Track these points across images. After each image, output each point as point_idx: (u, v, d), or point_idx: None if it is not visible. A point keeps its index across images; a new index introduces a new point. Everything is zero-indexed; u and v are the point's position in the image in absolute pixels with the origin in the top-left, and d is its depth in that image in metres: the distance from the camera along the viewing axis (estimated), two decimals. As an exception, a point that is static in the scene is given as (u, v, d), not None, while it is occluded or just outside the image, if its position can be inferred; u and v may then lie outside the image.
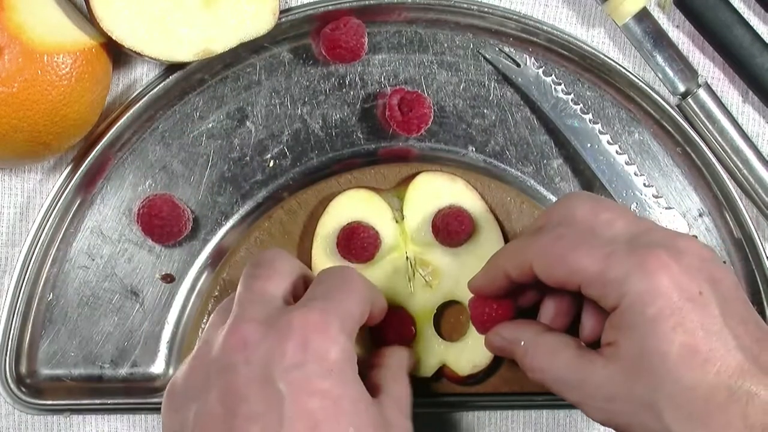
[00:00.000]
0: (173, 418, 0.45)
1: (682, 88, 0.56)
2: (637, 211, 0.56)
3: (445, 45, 0.57)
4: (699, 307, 0.42)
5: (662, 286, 0.43)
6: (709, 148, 0.56)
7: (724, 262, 0.57)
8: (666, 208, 0.56)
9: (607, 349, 0.45)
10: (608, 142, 0.56)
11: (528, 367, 0.48)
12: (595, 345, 0.47)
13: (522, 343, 0.49)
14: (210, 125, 0.56)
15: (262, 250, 0.54)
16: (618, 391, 0.44)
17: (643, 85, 0.56)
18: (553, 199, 0.57)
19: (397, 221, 0.56)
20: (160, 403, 0.55)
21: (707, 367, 0.42)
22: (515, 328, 0.50)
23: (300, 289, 0.48)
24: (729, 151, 0.56)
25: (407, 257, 0.56)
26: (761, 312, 0.57)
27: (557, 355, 0.47)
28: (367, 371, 0.49)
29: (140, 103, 0.55)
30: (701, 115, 0.56)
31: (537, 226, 0.49)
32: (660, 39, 0.56)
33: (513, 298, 0.51)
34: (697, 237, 0.57)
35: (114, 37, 0.51)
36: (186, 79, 0.55)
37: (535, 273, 0.47)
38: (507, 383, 0.56)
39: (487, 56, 0.57)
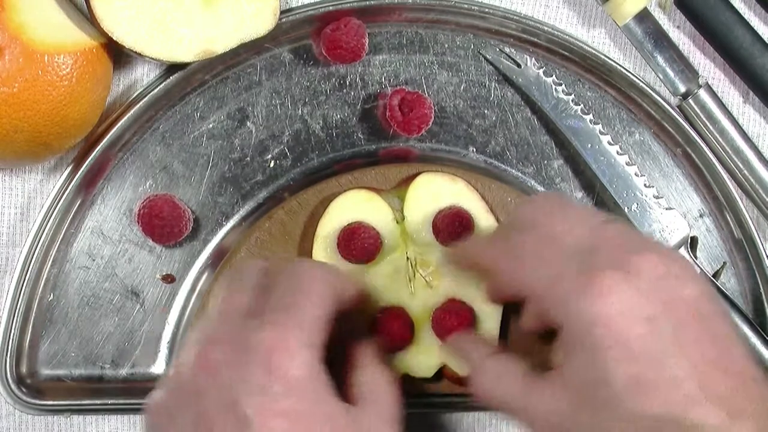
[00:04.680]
0: None
1: (682, 89, 0.56)
2: (637, 212, 0.56)
3: (446, 45, 0.57)
4: (646, 334, 0.41)
5: (605, 313, 0.41)
6: (710, 148, 0.56)
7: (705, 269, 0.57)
8: (667, 209, 0.56)
9: (554, 375, 0.43)
10: (609, 143, 0.56)
11: (474, 390, 0.47)
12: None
13: (469, 364, 0.49)
14: (210, 125, 0.56)
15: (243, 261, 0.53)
16: (564, 420, 0.43)
17: (644, 86, 0.56)
18: (554, 199, 0.57)
19: (397, 222, 0.56)
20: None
21: (653, 398, 0.40)
22: (466, 346, 0.50)
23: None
24: (730, 152, 0.56)
25: (408, 258, 0.56)
26: (761, 312, 0.57)
27: (502, 382, 0.46)
28: (349, 373, 0.48)
29: (141, 103, 0.55)
30: (702, 116, 0.56)
31: (505, 226, 0.49)
32: (661, 39, 0.56)
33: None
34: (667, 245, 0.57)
35: (114, 38, 0.51)
36: (186, 80, 0.55)
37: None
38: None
39: (488, 57, 0.57)
